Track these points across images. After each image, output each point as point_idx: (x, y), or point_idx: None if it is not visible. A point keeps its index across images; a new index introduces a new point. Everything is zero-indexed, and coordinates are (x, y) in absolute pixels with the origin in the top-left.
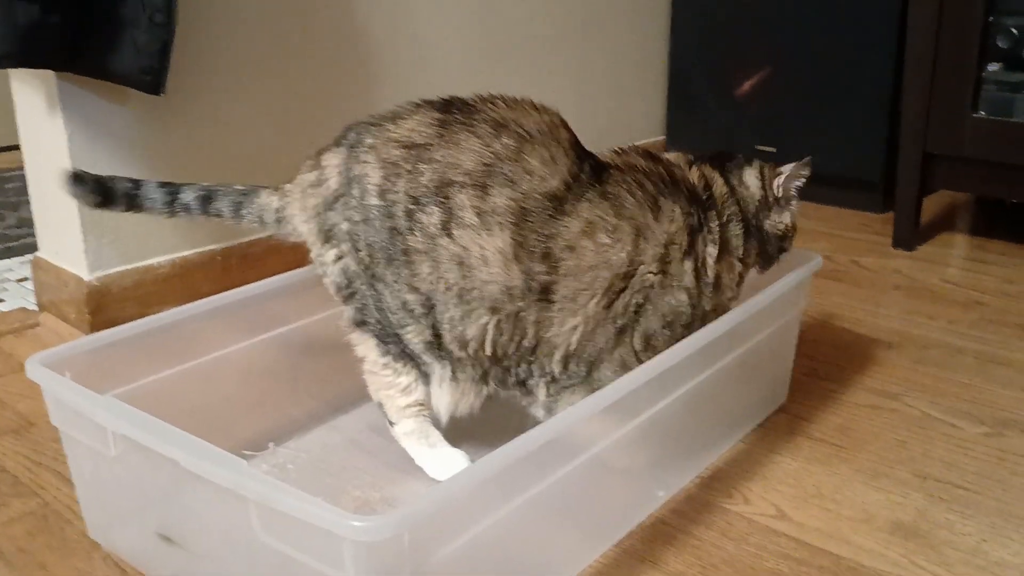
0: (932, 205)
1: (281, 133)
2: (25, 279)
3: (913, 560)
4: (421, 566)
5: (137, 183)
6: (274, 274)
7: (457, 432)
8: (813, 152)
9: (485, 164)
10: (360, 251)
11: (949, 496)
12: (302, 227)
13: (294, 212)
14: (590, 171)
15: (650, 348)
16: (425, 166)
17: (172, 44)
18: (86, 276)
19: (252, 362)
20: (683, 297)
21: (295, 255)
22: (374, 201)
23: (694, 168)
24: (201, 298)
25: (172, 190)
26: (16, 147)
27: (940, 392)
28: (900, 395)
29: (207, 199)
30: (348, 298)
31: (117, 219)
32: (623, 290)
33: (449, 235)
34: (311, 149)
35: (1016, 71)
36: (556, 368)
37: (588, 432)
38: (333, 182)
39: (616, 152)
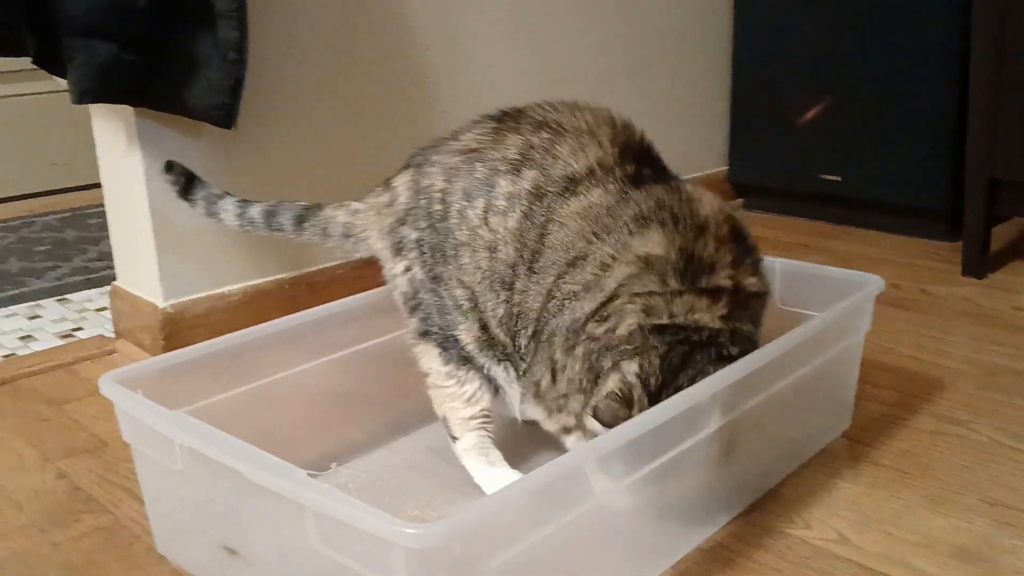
0: (1004, 232)
1: (342, 163)
2: (104, 308)
3: None
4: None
5: (221, 193)
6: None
7: (518, 457)
8: (878, 180)
9: (522, 153)
10: (424, 255)
11: (1016, 522)
12: (376, 244)
13: (370, 232)
14: (633, 173)
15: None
16: (480, 164)
17: (244, 81)
18: (160, 303)
19: (315, 384)
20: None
21: (357, 284)
22: (437, 207)
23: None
24: None
25: (244, 204)
26: (98, 185)
27: (1007, 418)
28: (966, 421)
29: (271, 214)
30: (414, 309)
31: (191, 248)
32: (563, 275)
33: (486, 222)
34: (371, 179)
35: None
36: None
37: (642, 450)
38: (403, 198)
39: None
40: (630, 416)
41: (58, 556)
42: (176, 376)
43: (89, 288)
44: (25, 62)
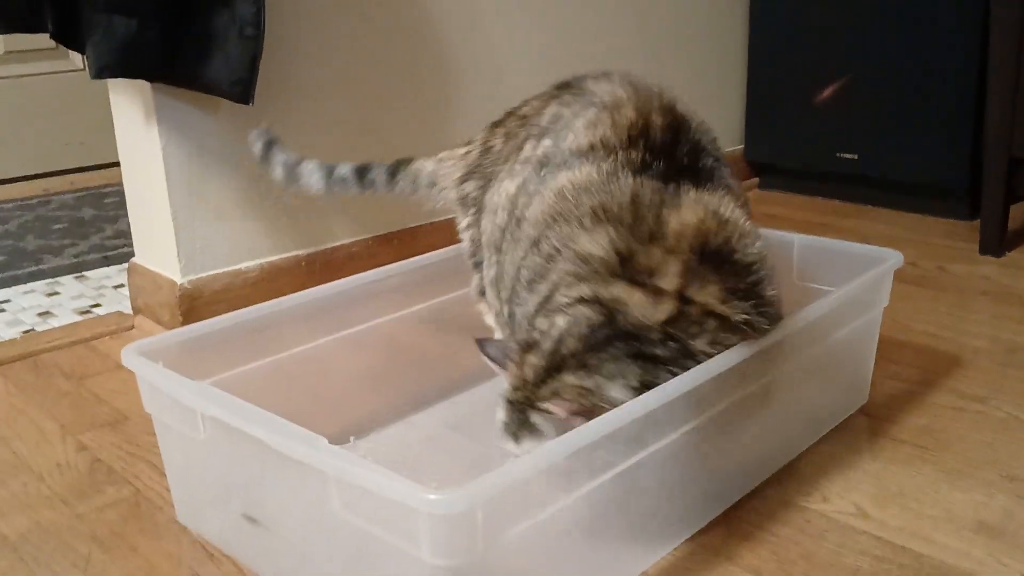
0: (1021, 211)
1: (359, 140)
2: (121, 285)
3: (999, 559)
4: (493, 543)
5: (299, 158)
6: None
7: None
8: (895, 159)
9: (550, 121)
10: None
11: None
12: (450, 194)
13: (446, 183)
14: (639, 159)
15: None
16: (521, 130)
17: (260, 56)
18: (179, 280)
19: (334, 359)
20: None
21: (372, 260)
22: (489, 168)
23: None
24: None
25: (330, 165)
26: (114, 164)
27: None
28: (986, 398)
29: (363, 170)
30: (475, 267)
31: (209, 225)
32: (527, 254)
33: (500, 185)
34: (387, 156)
35: None
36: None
37: (664, 418)
38: (474, 155)
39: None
40: (515, 364)
41: (83, 527)
42: (197, 349)
43: (107, 265)
44: (41, 40)
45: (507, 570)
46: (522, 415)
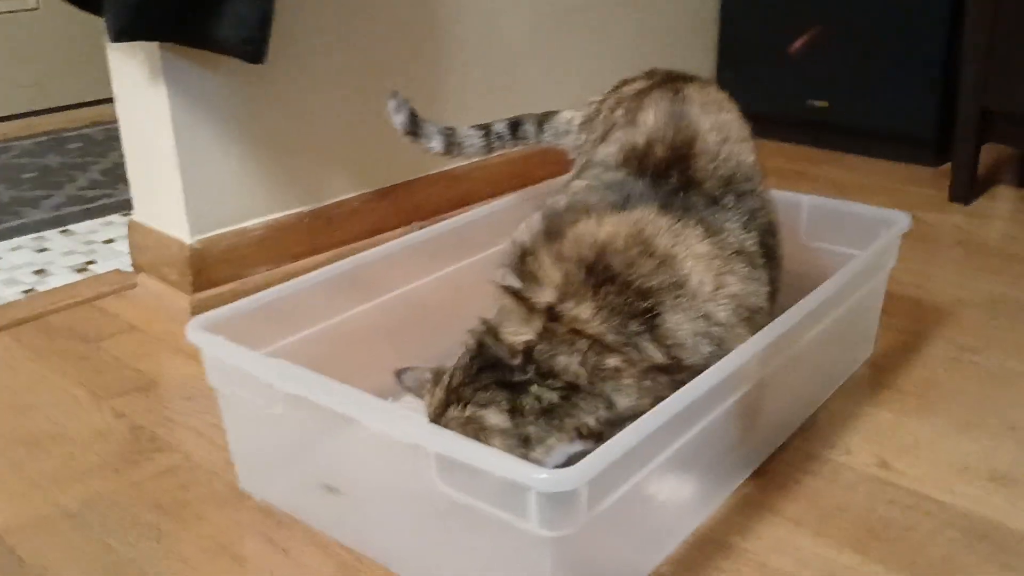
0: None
1: (368, 100)
2: (111, 241)
3: (1014, 504)
4: (592, 514)
5: (450, 128)
6: (356, 235)
7: None
8: (865, 106)
9: (612, 124)
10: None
11: None
12: (570, 139)
13: (571, 127)
14: (623, 178)
15: None
16: (611, 115)
17: (272, 14)
18: (188, 239)
19: (372, 324)
20: None
21: (373, 216)
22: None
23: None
24: (291, 259)
25: (484, 127)
26: (71, 106)
27: (1017, 346)
28: (979, 349)
29: (515, 124)
30: None
31: (215, 184)
32: None
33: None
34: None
35: None
36: None
37: (724, 388)
38: (591, 109)
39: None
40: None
41: (142, 495)
42: (250, 321)
43: (89, 219)
44: None
45: (600, 533)
46: None
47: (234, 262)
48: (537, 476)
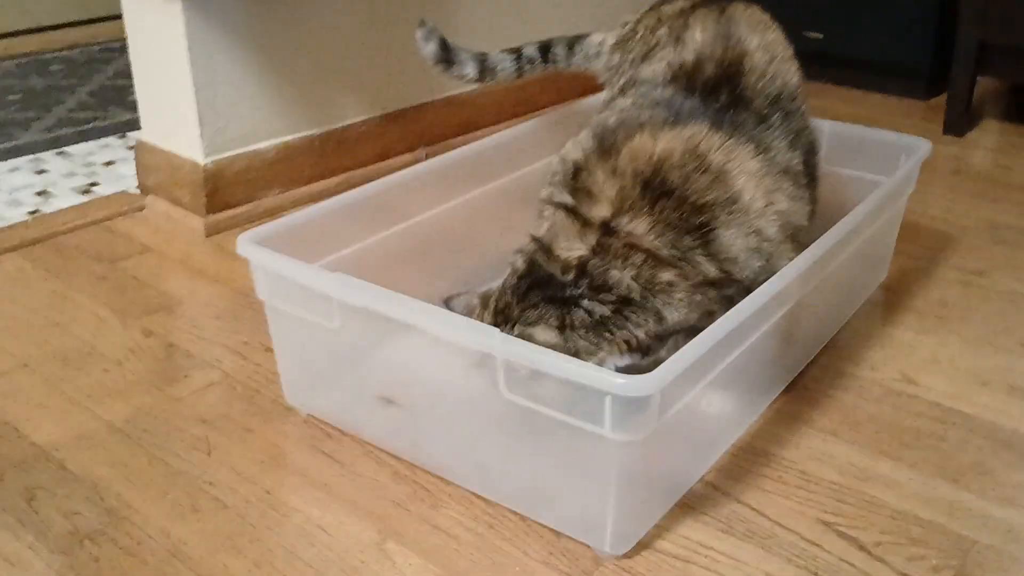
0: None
1: (376, 20)
2: (112, 163)
3: None
4: (662, 421)
5: (483, 54)
6: (367, 157)
7: None
8: (859, 38)
9: (654, 43)
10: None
11: None
12: (601, 61)
13: (603, 49)
14: (670, 96)
15: None
16: (651, 36)
17: None
18: (201, 160)
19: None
20: None
21: (383, 139)
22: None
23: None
24: (302, 183)
25: (515, 51)
26: (46, 28)
27: (1021, 269)
28: (986, 272)
29: (545, 47)
30: None
31: (229, 105)
32: None
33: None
34: (407, 36)
35: None
36: None
37: (771, 306)
38: (627, 29)
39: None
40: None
41: (186, 410)
42: (292, 237)
43: (83, 141)
44: None
45: (661, 441)
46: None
47: (247, 184)
48: (614, 381)
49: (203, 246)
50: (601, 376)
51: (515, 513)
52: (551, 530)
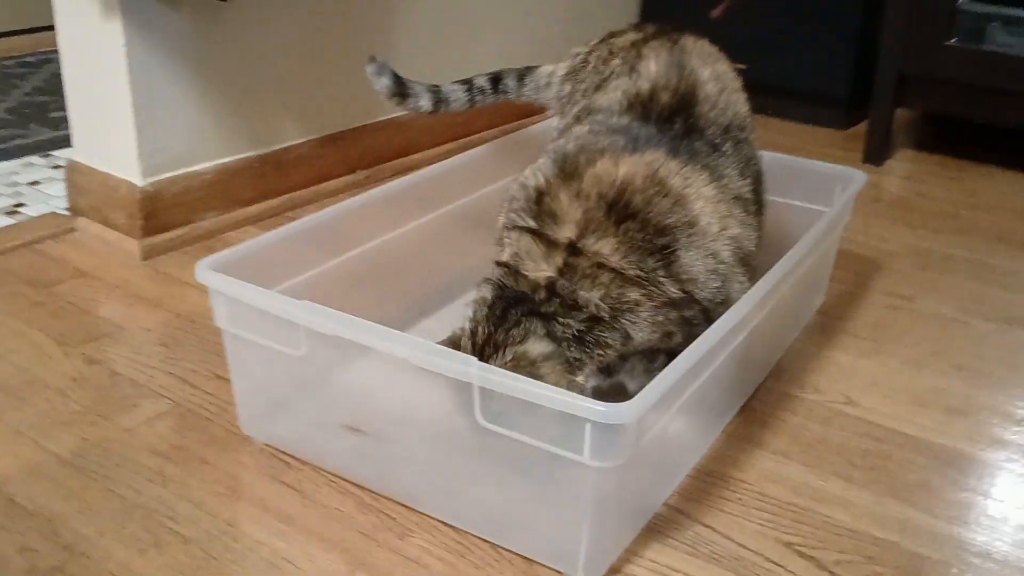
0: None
1: (325, 43)
2: (37, 183)
3: (973, 434)
4: (637, 447)
5: (435, 86)
6: (305, 180)
7: None
8: (783, 69)
9: (609, 73)
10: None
11: (983, 383)
12: (552, 91)
13: (553, 80)
14: (628, 124)
15: None
16: (604, 67)
17: None
18: (139, 182)
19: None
20: None
21: (320, 162)
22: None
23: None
24: (241, 205)
25: (466, 82)
26: None
27: (946, 295)
28: (914, 297)
29: (496, 79)
30: None
31: (167, 125)
32: None
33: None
34: (356, 60)
35: (986, 3)
36: None
37: (733, 332)
38: (578, 60)
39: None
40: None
41: (137, 441)
42: (254, 263)
43: (6, 160)
44: None
45: (633, 466)
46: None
47: (185, 206)
48: (595, 408)
49: (140, 270)
50: (581, 404)
51: (485, 540)
52: (522, 557)
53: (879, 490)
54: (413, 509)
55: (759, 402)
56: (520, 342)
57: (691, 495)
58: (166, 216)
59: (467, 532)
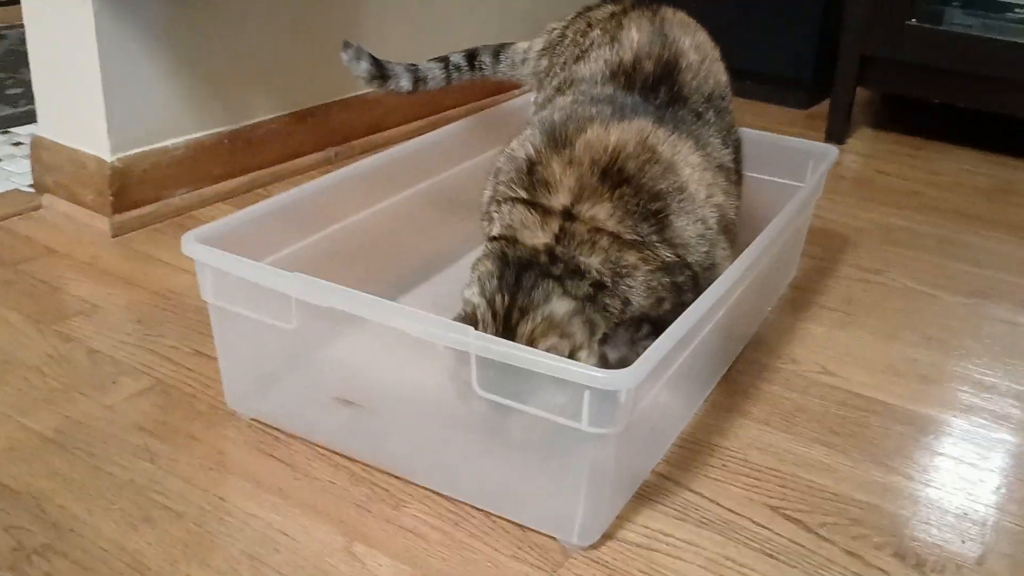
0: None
1: (297, 16)
2: None
3: (946, 402)
4: (632, 416)
5: (413, 65)
6: (276, 156)
7: None
8: (746, 51)
9: (590, 44)
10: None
11: (953, 353)
12: (528, 67)
13: (529, 55)
14: (612, 92)
15: None
16: (582, 39)
17: None
18: (108, 158)
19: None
20: None
21: (293, 138)
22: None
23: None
24: (211, 181)
25: (442, 59)
26: None
27: (913, 268)
28: (882, 271)
29: (472, 55)
30: None
31: (136, 101)
32: None
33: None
34: (316, 34)
35: None
36: None
37: (720, 302)
38: (556, 35)
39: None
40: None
41: (121, 418)
42: (239, 235)
43: None
44: None
45: (631, 431)
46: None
47: (155, 182)
48: (594, 375)
49: (110, 247)
50: (580, 371)
51: (479, 510)
52: (517, 525)
53: (859, 456)
54: (406, 480)
55: (739, 372)
56: (545, 302)
57: (678, 463)
58: (136, 192)
59: (461, 502)
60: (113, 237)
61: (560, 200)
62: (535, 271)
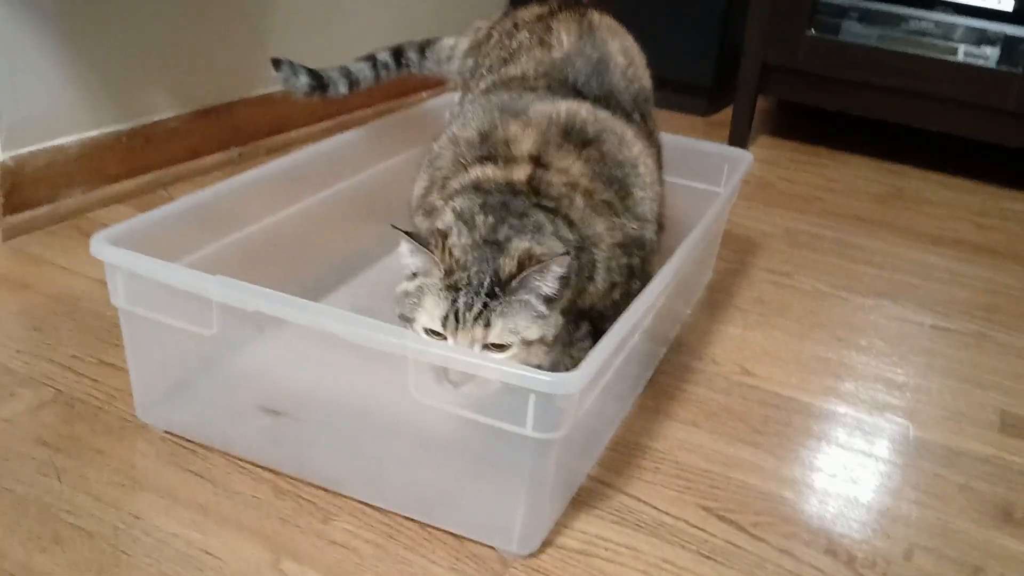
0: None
1: (200, 10)
2: None
3: (862, 399)
4: (576, 418)
5: (345, 68)
6: (177, 155)
7: None
8: (649, 56)
9: (518, 46)
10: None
11: (861, 351)
12: (454, 65)
13: (455, 53)
14: (575, 80)
15: None
16: (509, 41)
17: None
18: (0, 156)
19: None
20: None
21: (192, 137)
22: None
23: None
24: (108, 181)
25: (370, 58)
26: None
27: (820, 271)
28: (790, 273)
29: (398, 52)
30: None
31: (31, 96)
32: None
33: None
34: (218, 30)
35: None
36: None
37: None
38: (482, 34)
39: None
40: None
41: (21, 432)
42: (152, 236)
43: None
44: None
45: (571, 435)
46: (483, 297)
47: (49, 181)
48: (540, 379)
49: (2, 251)
50: (526, 375)
51: (412, 521)
52: (453, 535)
53: (783, 455)
54: (335, 492)
55: (663, 374)
56: (538, 230)
57: (612, 466)
58: (29, 192)
59: (393, 513)
60: (4, 240)
61: (525, 148)
62: (522, 200)
